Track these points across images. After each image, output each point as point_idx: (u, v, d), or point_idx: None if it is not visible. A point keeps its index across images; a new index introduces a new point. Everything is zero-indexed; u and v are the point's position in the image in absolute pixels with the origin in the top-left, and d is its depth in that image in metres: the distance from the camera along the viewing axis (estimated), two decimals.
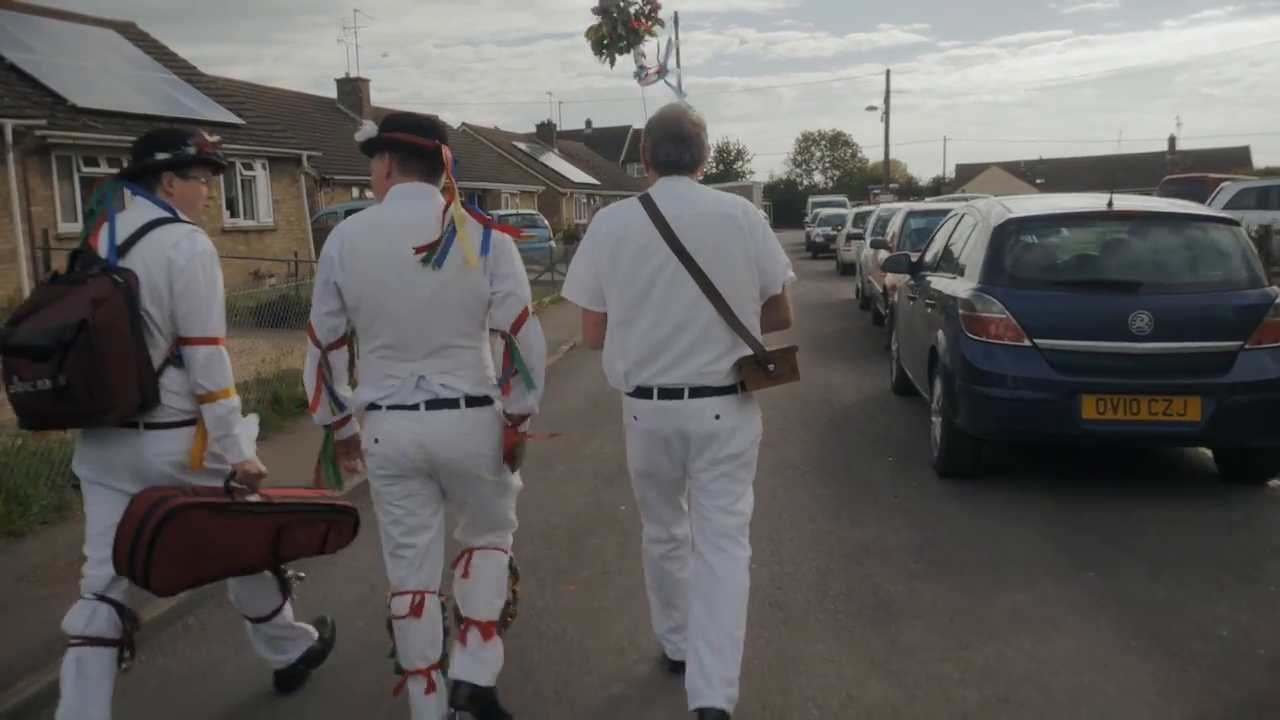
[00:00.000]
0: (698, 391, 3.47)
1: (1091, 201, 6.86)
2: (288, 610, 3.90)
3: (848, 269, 23.38)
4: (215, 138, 3.68)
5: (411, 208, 3.32)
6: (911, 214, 13.77)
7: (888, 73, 51.87)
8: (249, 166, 22.63)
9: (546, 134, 58.55)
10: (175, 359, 3.36)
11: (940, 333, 6.73)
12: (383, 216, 3.34)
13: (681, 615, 3.88)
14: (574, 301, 3.62)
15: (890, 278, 12.12)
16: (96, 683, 3.38)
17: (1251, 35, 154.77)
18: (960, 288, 6.56)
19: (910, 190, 69.00)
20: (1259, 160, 71.31)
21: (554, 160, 53.54)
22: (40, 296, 3.28)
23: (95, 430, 3.35)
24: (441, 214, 3.28)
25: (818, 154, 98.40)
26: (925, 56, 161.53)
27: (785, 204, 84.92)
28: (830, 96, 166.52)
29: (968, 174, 76.95)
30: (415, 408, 3.30)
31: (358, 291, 3.30)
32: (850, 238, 21.71)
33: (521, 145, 52.38)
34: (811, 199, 55.08)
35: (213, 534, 3.35)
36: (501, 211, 36.05)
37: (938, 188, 72.20)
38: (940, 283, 7.25)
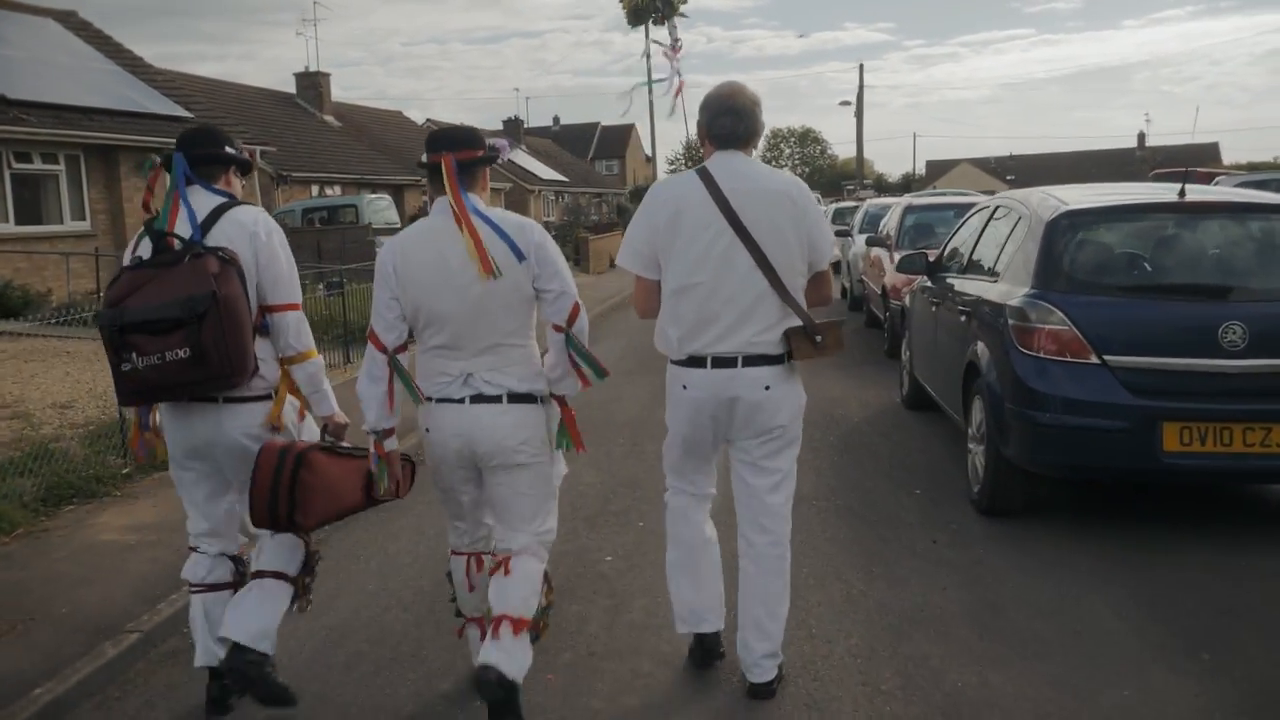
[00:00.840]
0: (751, 360, 3.59)
1: (1156, 191, 5.87)
2: (288, 594, 3.76)
3: None
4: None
5: (443, 220, 3.51)
6: (910, 209, 12.75)
7: (860, 67, 50.97)
8: None
9: (513, 130, 57.17)
10: (262, 329, 3.59)
11: (981, 346, 5.72)
12: (430, 227, 3.54)
13: (707, 588, 3.89)
14: (628, 269, 3.73)
15: (890, 276, 11.16)
16: (216, 622, 3.73)
17: (1211, 35, 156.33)
18: (1006, 293, 5.54)
19: (881, 187, 68.29)
20: (1227, 157, 71.23)
21: (521, 157, 52.23)
22: (131, 279, 3.46)
23: (178, 407, 3.60)
24: (465, 229, 3.42)
25: (787, 150, 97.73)
26: (891, 55, 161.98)
27: None
28: (796, 94, 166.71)
29: (938, 170, 76.46)
30: (461, 401, 3.50)
31: (412, 298, 3.50)
32: (835, 234, 20.68)
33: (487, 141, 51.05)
34: None
35: (334, 473, 3.57)
36: None
37: (908, 184, 71.59)
38: (974, 287, 6.24)
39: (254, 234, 3.57)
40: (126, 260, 3.58)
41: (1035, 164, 76.48)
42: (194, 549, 3.83)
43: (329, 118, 36.41)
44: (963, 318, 6.18)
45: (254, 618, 3.61)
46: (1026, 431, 5.16)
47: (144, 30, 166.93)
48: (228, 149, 3.74)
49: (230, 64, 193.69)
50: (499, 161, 3.79)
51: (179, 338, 3.34)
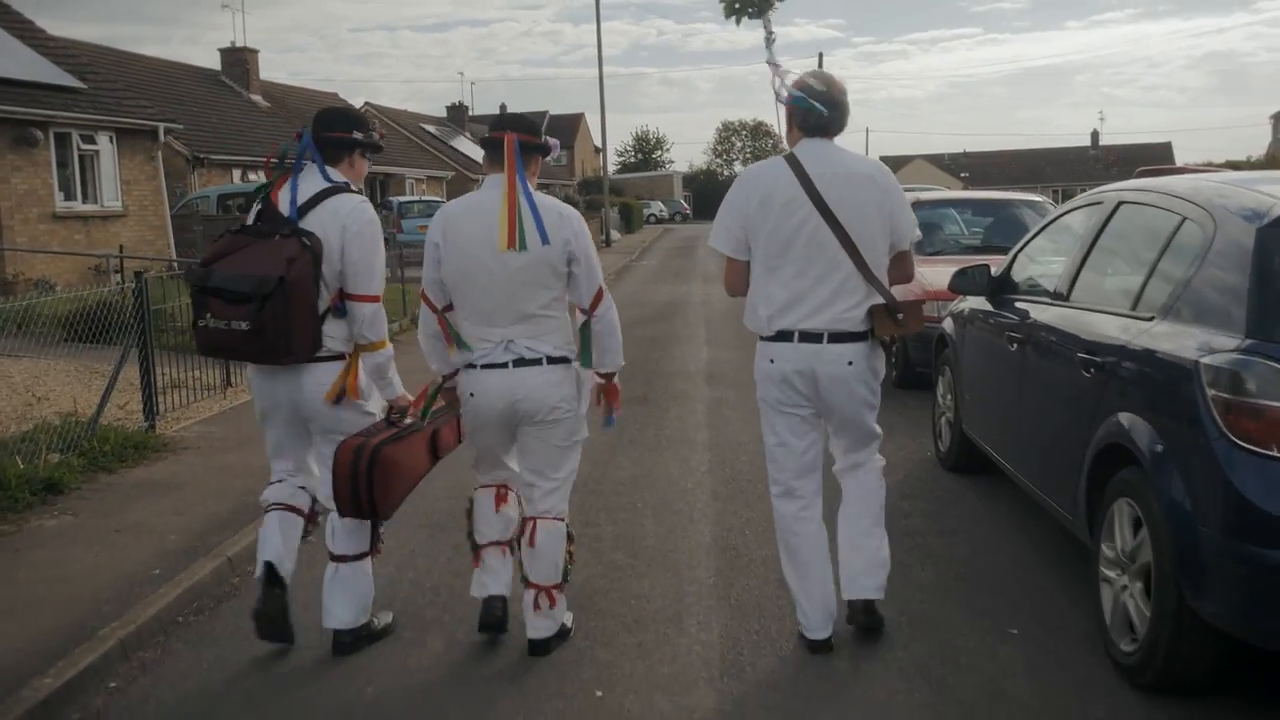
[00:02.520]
0: (836, 337, 3.79)
1: None
2: (368, 565, 4.13)
3: None
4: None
5: (493, 195, 3.83)
6: (918, 204, 10.65)
7: (820, 55, 48.84)
8: (90, 139, 18.71)
9: (458, 116, 54.76)
10: (337, 310, 3.87)
11: (1134, 422, 3.65)
12: (477, 202, 3.89)
13: (815, 585, 3.97)
14: (720, 250, 3.98)
15: (922, 283, 9.11)
16: (290, 538, 4.15)
17: (1150, 37, 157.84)
18: (1186, 342, 3.48)
19: None
20: (1178, 157, 70.72)
21: (465, 144, 49.77)
22: (227, 244, 3.82)
23: (263, 366, 3.92)
24: (505, 201, 3.74)
25: (739, 144, 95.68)
26: (840, 51, 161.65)
27: (705, 195, 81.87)
28: (746, 88, 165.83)
29: (892, 166, 74.27)
30: (505, 365, 3.83)
31: (455, 268, 3.83)
32: None
33: (430, 128, 48.51)
34: None
35: (402, 458, 3.86)
36: (405, 198, 32.40)
37: None
38: (1102, 325, 4.16)
39: (345, 224, 3.81)
40: (250, 221, 3.93)
41: (989, 161, 75.68)
42: (277, 480, 4.21)
43: (256, 97, 33.72)
44: (1087, 371, 4.10)
45: (347, 607, 4.05)
46: (1251, 582, 3.10)
47: (83, 10, 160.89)
48: (355, 134, 4.01)
49: (174, 46, 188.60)
50: (549, 157, 4.14)
51: (244, 310, 3.64)
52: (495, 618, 4.12)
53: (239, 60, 33.83)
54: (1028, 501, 5.32)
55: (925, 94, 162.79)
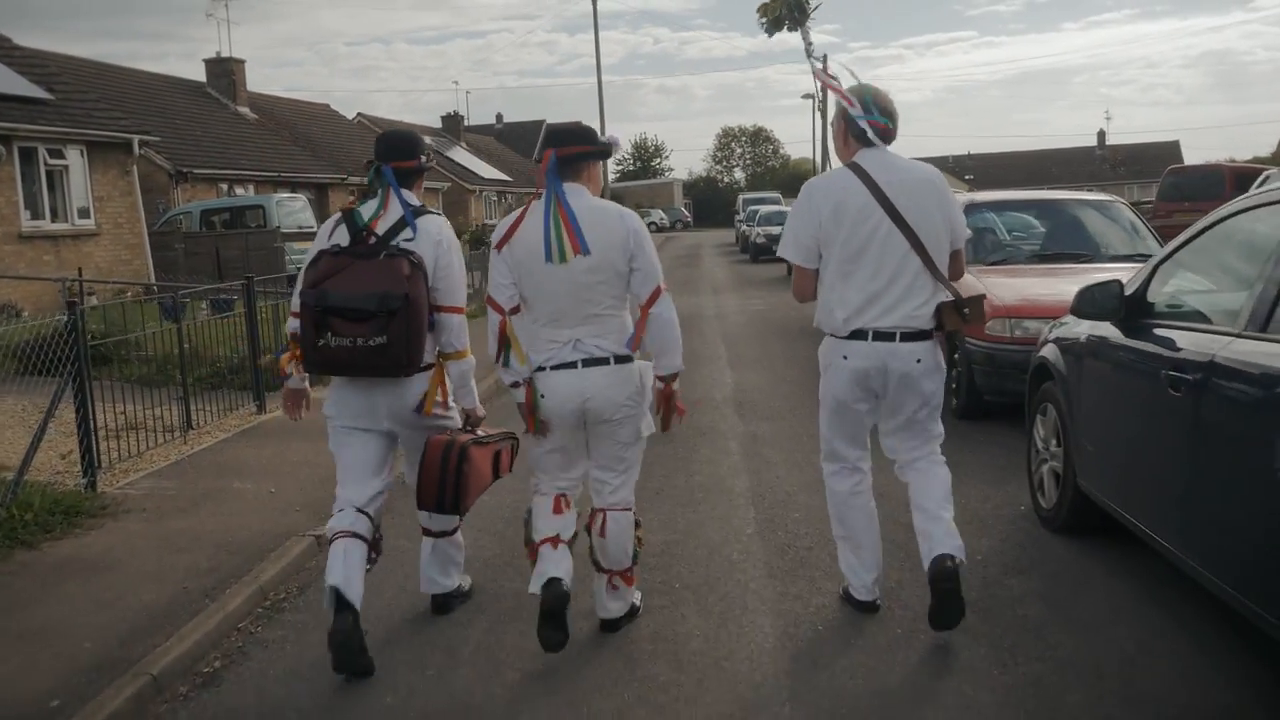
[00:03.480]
0: (908, 336, 4.02)
1: None
2: (460, 537, 4.62)
3: None
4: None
5: (541, 209, 4.01)
6: (974, 206, 9.26)
7: (824, 57, 47.46)
8: (58, 153, 17.54)
9: (453, 127, 53.65)
10: (429, 323, 4.01)
11: None
12: (533, 216, 3.99)
13: (867, 554, 4.33)
14: (791, 260, 4.20)
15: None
16: (356, 566, 4.10)
17: (1147, 38, 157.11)
18: None
19: None
20: (1184, 155, 69.61)
21: (461, 155, 48.70)
22: (329, 265, 3.95)
23: (357, 381, 4.08)
24: (543, 212, 3.93)
25: (738, 150, 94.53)
26: (837, 57, 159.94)
27: (706, 202, 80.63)
28: (743, 96, 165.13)
29: None
30: (575, 365, 3.99)
31: (523, 275, 3.98)
32: None
33: (425, 138, 47.37)
34: (742, 196, 50.86)
35: (481, 462, 4.13)
36: None
37: None
38: None
39: (438, 242, 4.03)
40: (324, 243, 4.06)
41: (994, 163, 74.51)
42: (340, 510, 4.23)
43: (243, 109, 32.59)
44: None
45: (445, 575, 4.61)
46: None
47: (76, 26, 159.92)
48: (423, 158, 4.22)
49: (170, 63, 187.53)
50: (613, 154, 4.27)
51: (371, 327, 3.80)
52: (557, 598, 4.02)
53: (225, 71, 32.71)
54: (1184, 584, 4.12)
55: (923, 98, 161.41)
